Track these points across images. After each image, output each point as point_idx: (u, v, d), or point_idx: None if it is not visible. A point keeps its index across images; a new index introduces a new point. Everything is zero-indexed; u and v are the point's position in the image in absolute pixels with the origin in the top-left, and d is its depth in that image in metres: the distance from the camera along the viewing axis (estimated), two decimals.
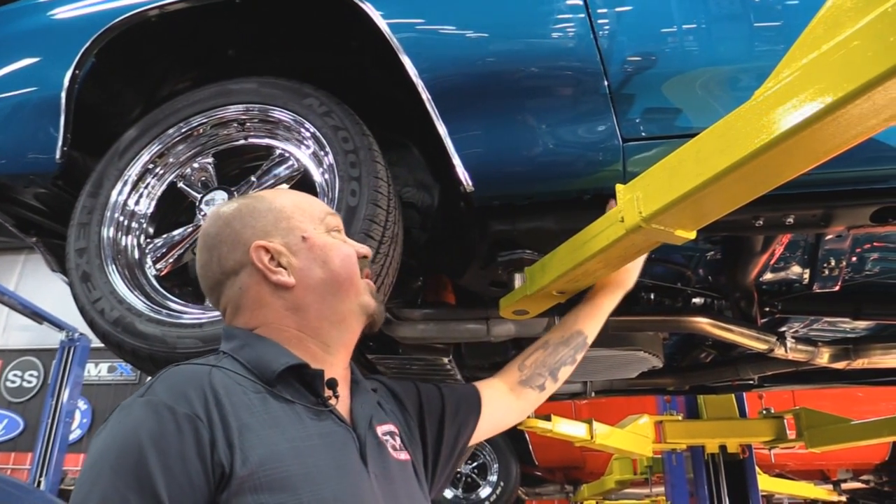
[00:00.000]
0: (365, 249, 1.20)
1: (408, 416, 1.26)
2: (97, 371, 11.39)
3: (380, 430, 1.13)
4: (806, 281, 2.12)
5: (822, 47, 0.94)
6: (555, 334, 1.52)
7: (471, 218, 1.70)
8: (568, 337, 1.51)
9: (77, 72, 1.72)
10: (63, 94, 1.71)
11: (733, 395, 4.30)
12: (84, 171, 1.83)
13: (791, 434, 4.07)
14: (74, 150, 1.84)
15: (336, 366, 1.12)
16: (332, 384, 1.06)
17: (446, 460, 1.29)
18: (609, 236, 1.30)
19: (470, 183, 1.55)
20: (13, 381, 11.99)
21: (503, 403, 1.43)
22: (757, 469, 4.41)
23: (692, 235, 1.27)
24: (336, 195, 1.49)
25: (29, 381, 11.95)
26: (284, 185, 1.64)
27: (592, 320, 1.54)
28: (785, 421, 4.09)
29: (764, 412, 4.21)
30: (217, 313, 1.45)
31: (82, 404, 11.04)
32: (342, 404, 1.09)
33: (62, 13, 1.93)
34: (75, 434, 10.69)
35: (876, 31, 0.85)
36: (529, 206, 1.63)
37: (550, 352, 1.49)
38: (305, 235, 1.12)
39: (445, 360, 2.29)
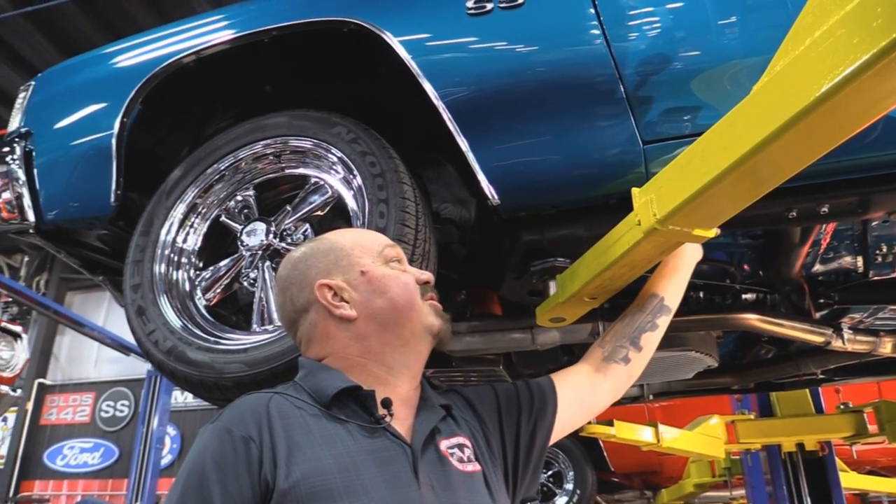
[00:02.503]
0: (426, 276, 1.25)
1: (485, 426, 1.28)
2: (183, 397, 11.82)
3: (444, 443, 1.16)
4: (861, 269, 2.05)
5: (812, 36, 0.93)
6: (632, 306, 1.51)
7: (502, 230, 1.73)
8: (643, 303, 1.49)
9: (125, 120, 1.84)
10: (113, 141, 1.83)
11: (808, 391, 4.15)
12: (142, 211, 1.96)
13: (872, 428, 3.88)
14: (132, 191, 1.96)
15: (400, 386, 1.17)
16: (387, 403, 1.12)
17: (526, 456, 1.30)
18: (629, 240, 1.31)
19: (496, 196, 1.59)
20: (107, 412, 12.60)
21: (589, 385, 1.43)
22: (842, 466, 4.23)
23: (712, 234, 1.27)
24: (366, 217, 1.55)
25: (121, 411, 12.53)
26: (319, 212, 1.71)
27: (664, 280, 1.51)
28: (865, 415, 3.91)
29: (842, 407, 4.04)
30: (259, 338, 1.53)
31: (171, 430, 11.48)
32: (403, 421, 1.14)
33: (118, 63, 2.06)
34: (166, 459, 11.12)
35: (859, 16, 0.85)
36: (557, 215, 1.65)
37: (628, 321, 1.49)
38: (364, 269, 1.20)
39: (497, 369, 2.32)
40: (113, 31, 8.22)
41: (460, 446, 1.18)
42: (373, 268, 1.21)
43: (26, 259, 13.76)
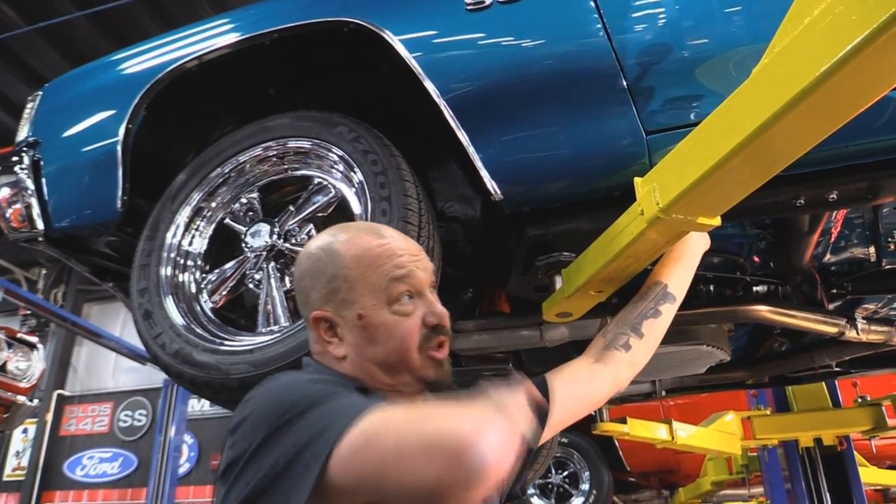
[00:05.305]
0: (435, 317, 1.10)
1: None
2: (200, 405, 11.83)
3: None
4: (874, 258, 2.02)
5: (811, 15, 0.92)
6: (636, 295, 1.48)
7: (507, 225, 1.72)
8: (646, 291, 1.47)
9: (130, 126, 1.85)
10: (119, 148, 1.84)
11: (824, 385, 4.09)
12: (149, 216, 1.96)
13: (892, 422, 3.82)
14: (139, 197, 1.97)
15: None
16: None
17: None
18: (632, 231, 1.30)
19: (498, 192, 1.58)
20: (125, 421, 12.65)
21: (588, 375, 1.40)
22: (862, 461, 4.17)
23: (716, 222, 1.25)
24: (369, 216, 1.54)
25: (139, 420, 12.58)
26: (323, 212, 1.71)
27: (667, 268, 1.48)
28: (883, 408, 3.84)
29: (860, 400, 3.97)
30: (265, 338, 1.53)
31: (189, 439, 11.49)
32: None
33: (122, 70, 2.07)
34: (184, 468, 11.13)
35: None
36: (561, 209, 1.64)
37: (630, 309, 1.46)
38: (362, 314, 1.08)
39: (506, 368, 2.31)
40: (125, 43, 8.27)
41: None
42: (372, 313, 1.08)
43: (44, 272, 13.88)
